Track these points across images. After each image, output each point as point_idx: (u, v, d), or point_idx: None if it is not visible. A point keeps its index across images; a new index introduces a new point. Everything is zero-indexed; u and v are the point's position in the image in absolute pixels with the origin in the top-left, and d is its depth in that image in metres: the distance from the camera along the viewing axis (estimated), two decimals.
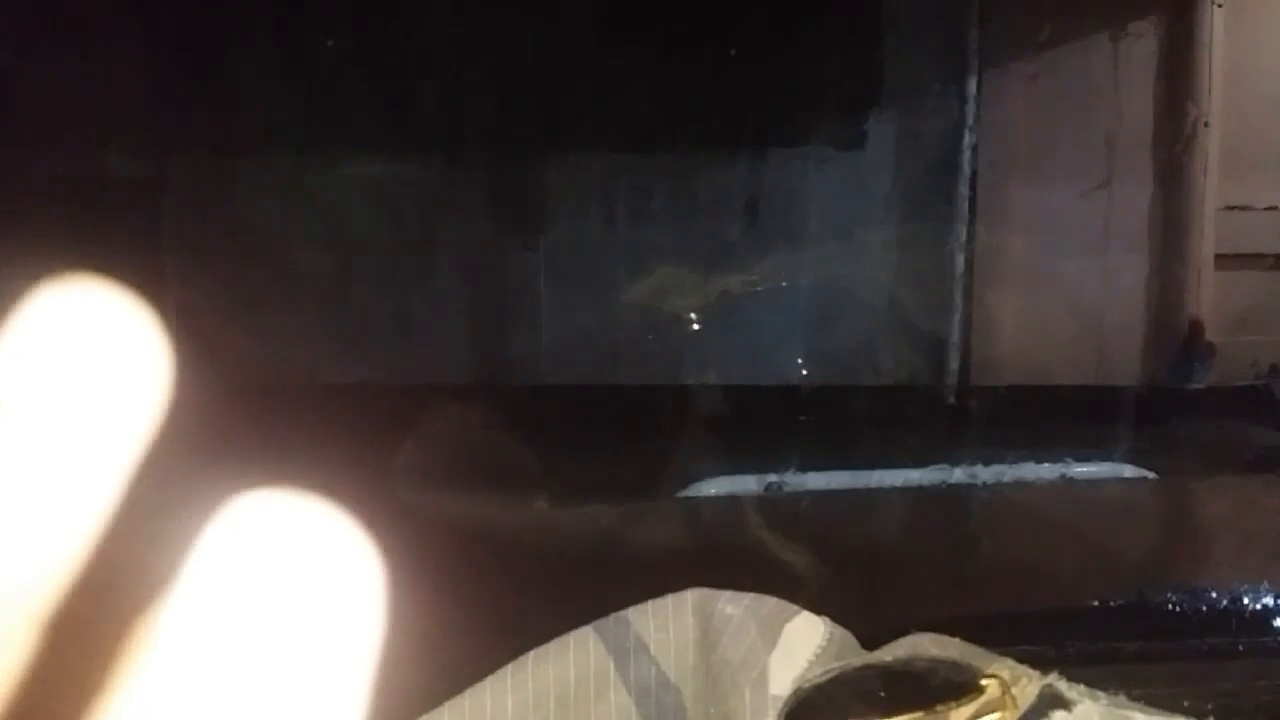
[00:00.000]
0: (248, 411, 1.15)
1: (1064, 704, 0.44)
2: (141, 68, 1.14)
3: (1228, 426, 1.30)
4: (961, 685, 0.44)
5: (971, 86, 1.38)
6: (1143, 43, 1.46)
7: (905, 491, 1.00)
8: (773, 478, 1.06)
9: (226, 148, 1.25)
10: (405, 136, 1.30)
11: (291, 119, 1.25)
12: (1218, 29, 1.47)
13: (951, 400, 1.37)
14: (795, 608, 0.50)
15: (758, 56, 1.29)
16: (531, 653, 0.49)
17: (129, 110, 1.15)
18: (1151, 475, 1.05)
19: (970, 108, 1.38)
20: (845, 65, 1.36)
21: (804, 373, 1.31)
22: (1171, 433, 1.29)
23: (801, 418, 1.24)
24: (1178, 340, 1.47)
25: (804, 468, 1.06)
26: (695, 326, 1.22)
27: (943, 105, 1.39)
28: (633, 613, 0.50)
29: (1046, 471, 1.04)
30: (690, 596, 0.50)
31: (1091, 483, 0.98)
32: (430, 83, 1.29)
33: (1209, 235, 1.49)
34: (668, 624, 0.49)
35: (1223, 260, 1.50)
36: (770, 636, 0.49)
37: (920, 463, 1.06)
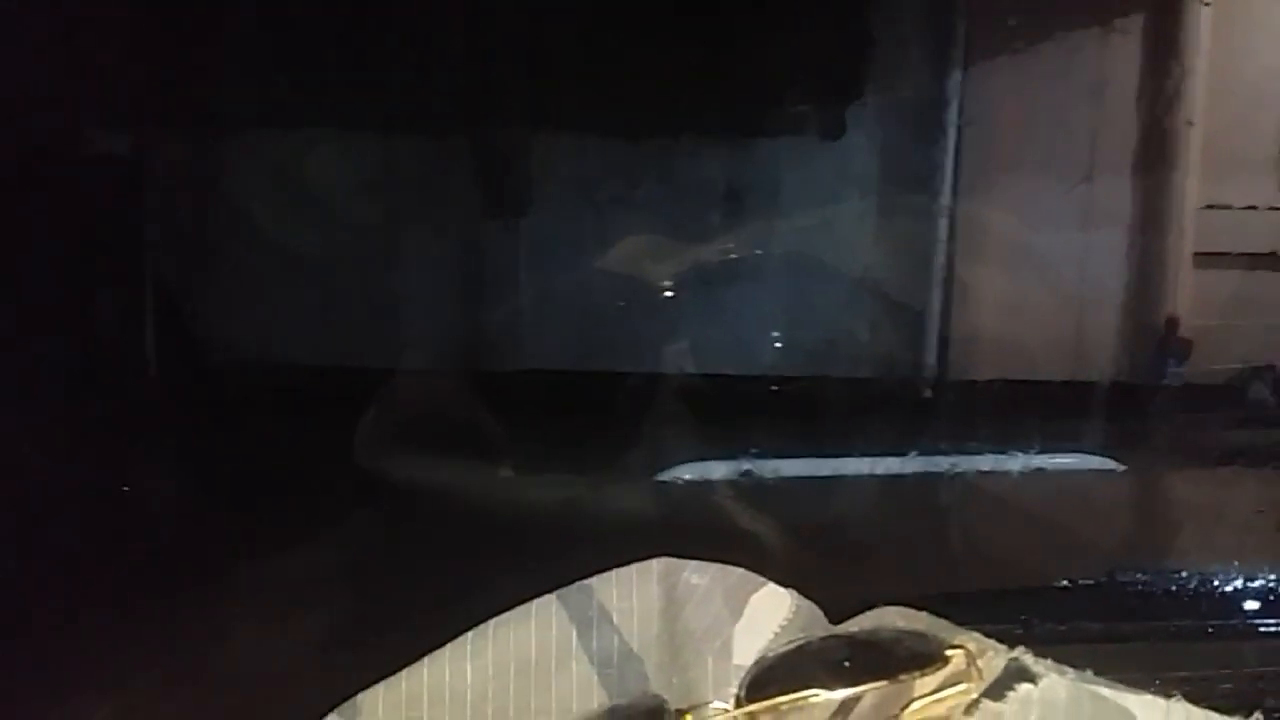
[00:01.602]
0: (224, 390, 1.14)
1: (1030, 677, 0.44)
2: (120, 41, 1.12)
3: (1201, 424, 1.30)
4: (927, 656, 0.43)
5: (955, 79, 1.38)
6: (1128, 39, 1.46)
7: (877, 479, 0.99)
8: (746, 464, 1.05)
9: (206, 124, 1.24)
10: (387, 115, 1.29)
11: (272, 96, 1.23)
12: (1204, 28, 1.47)
13: (926, 393, 1.37)
14: (761, 579, 0.50)
15: (742, 41, 1.28)
16: (493, 621, 0.48)
17: (108, 85, 1.13)
18: (1122, 468, 1.05)
19: (954, 101, 1.38)
20: (830, 53, 1.35)
21: (778, 347, 1.30)
22: (1145, 429, 1.29)
23: (775, 407, 1.23)
24: (1154, 337, 1.47)
25: (777, 455, 1.06)
26: (668, 294, 1.21)
27: (926, 98, 1.39)
28: (596, 581, 0.49)
29: (1018, 462, 1.04)
30: (655, 565, 0.49)
31: (1062, 473, 0.98)
32: (412, 61, 1.28)
33: (1188, 233, 1.49)
34: (631, 593, 0.48)
35: (1201, 258, 1.50)
36: (736, 607, 0.48)
37: (893, 451, 1.06)
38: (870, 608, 0.51)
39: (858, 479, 0.99)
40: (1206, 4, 1.48)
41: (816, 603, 0.51)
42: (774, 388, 1.26)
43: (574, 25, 1.27)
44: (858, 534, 0.84)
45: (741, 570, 0.50)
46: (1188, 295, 1.48)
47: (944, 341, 1.37)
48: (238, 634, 0.57)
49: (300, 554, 0.62)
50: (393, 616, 0.54)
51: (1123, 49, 1.45)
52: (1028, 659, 0.45)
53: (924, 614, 0.48)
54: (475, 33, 1.28)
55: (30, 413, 0.87)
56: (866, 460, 1.04)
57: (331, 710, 0.46)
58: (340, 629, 0.56)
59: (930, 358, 1.37)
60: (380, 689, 0.46)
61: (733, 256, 1.32)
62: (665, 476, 0.99)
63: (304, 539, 0.65)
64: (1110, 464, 1.03)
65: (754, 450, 1.04)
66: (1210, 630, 0.59)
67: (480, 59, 1.29)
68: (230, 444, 0.89)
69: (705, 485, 0.96)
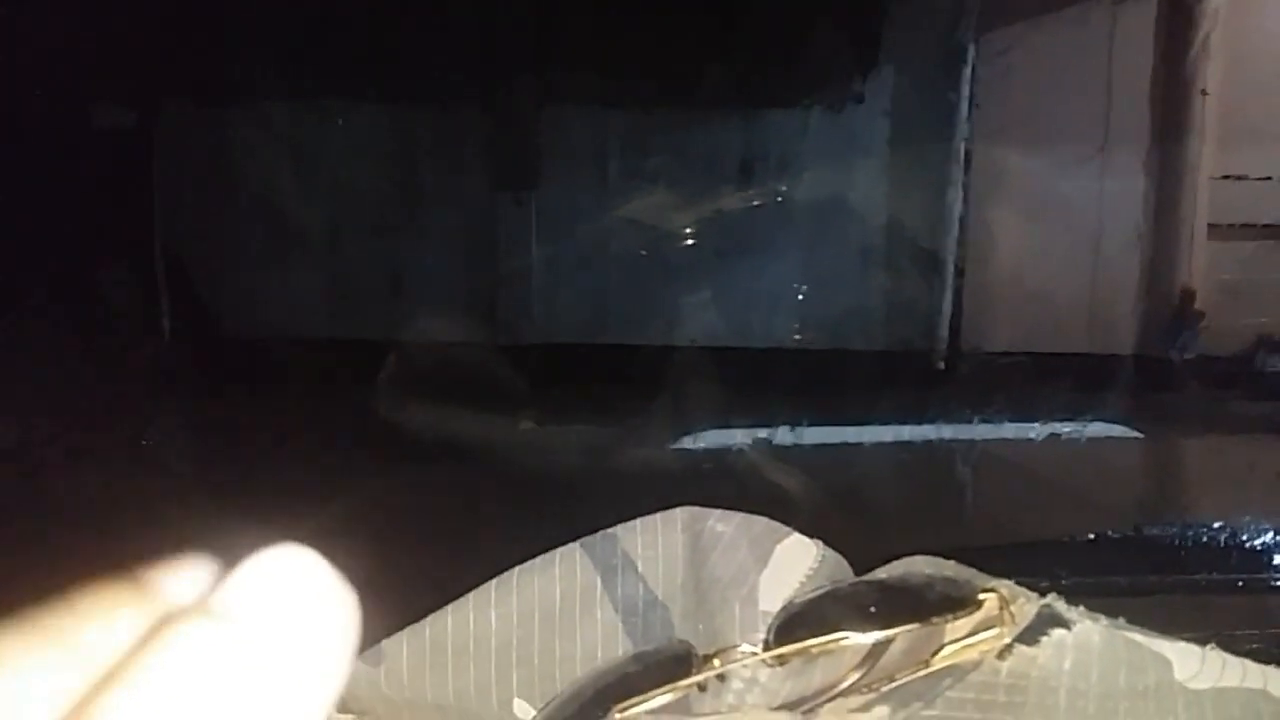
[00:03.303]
0: (239, 362, 1.14)
1: (1063, 623, 0.43)
2: (131, 14, 1.11)
3: (1215, 396, 1.30)
4: (959, 600, 0.43)
5: (970, 49, 1.37)
6: (1142, 7, 1.45)
7: (896, 446, 0.99)
8: (762, 433, 1.05)
9: (218, 98, 1.23)
10: (398, 89, 1.28)
11: (284, 69, 1.23)
12: None
13: (941, 364, 1.37)
14: (787, 529, 0.49)
15: (755, 14, 1.27)
16: (517, 569, 0.48)
17: (119, 59, 1.13)
18: (1140, 435, 1.04)
19: (967, 71, 1.37)
20: (843, 25, 1.34)
21: (799, 336, 1.30)
22: (1159, 399, 1.28)
23: (792, 382, 1.23)
24: (1168, 308, 1.46)
25: (794, 424, 1.05)
26: (689, 242, 1.21)
27: (939, 67, 1.38)
28: (621, 530, 0.48)
29: (1035, 431, 1.03)
30: (680, 514, 0.49)
31: (1080, 439, 0.98)
32: (424, 34, 1.27)
33: (1203, 204, 1.48)
34: (656, 541, 0.48)
35: (1215, 230, 1.49)
36: (761, 555, 0.47)
37: (909, 420, 1.05)
38: (897, 560, 0.50)
39: (879, 445, 0.99)
40: None
41: (842, 555, 0.51)
42: (790, 352, 1.26)
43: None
44: (880, 497, 0.84)
45: (766, 520, 0.49)
46: (1202, 266, 1.47)
47: (959, 311, 1.36)
48: None
49: (320, 507, 0.61)
50: (417, 564, 0.54)
51: (1137, 18, 1.44)
52: (1060, 605, 0.44)
53: (952, 563, 0.47)
54: (487, 5, 1.27)
55: (48, 382, 0.87)
56: (887, 429, 1.03)
57: (356, 657, 0.46)
58: (363, 577, 0.56)
59: (945, 330, 1.36)
60: (404, 635, 0.46)
61: (746, 224, 1.32)
62: (683, 444, 0.98)
63: (324, 493, 0.64)
64: (1128, 431, 1.02)
65: (770, 418, 1.03)
66: (1240, 584, 0.59)
67: (492, 32, 1.28)
68: (246, 409, 0.89)
69: (723, 452, 0.96)
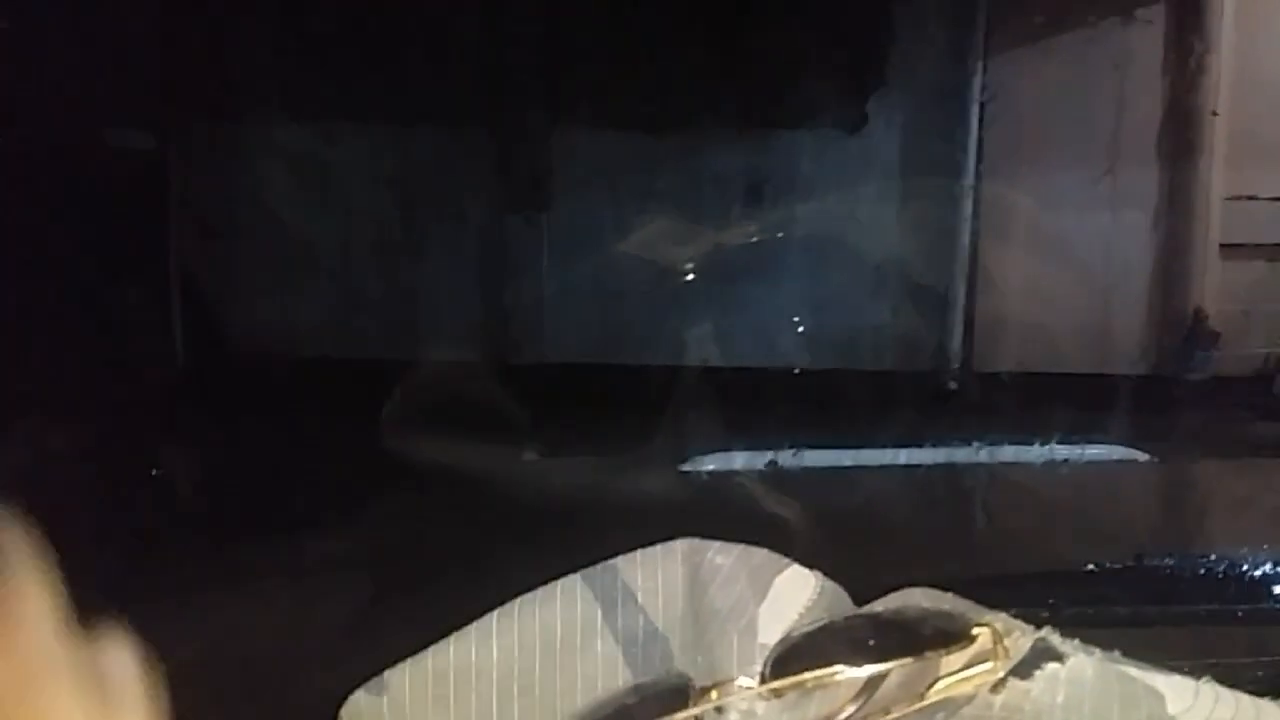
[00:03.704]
0: (248, 382, 1.15)
1: (1057, 656, 0.44)
2: (147, 37, 1.13)
3: (1229, 417, 1.29)
4: (953, 634, 0.43)
5: (977, 69, 1.37)
6: (1152, 29, 1.45)
7: (902, 469, 0.99)
8: (770, 455, 1.05)
9: (231, 119, 1.25)
10: (410, 108, 1.29)
11: (296, 90, 1.24)
12: (1228, 16, 1.45)
13: (951, 386, 1.37)
14: (786, 560, 0.50)
15: (765, 33, 1.28)
16: (519, 600, 0.48)
17: (134, 81, 1.14)
18: (1150, 458, 1.04)
19: (975, 91, 1.37)
20: (851, 45, 1.35)
21: (810, 356, 1.30)
22: (1172, 421, 1.28)
23: (801, 402, 1.23)
24: (1181, 328, 1.46)
25: (801, 447, 1.06)
26: (690, 277, 1.21)
27: (949, 87, 1.38)
28: (621, 561, 0.49)
29: (1044, 454, 1.03)
30: (679, 546, 0.49)
31: (1090, 463, 0.98)
32: (436, 54, 1.29)
33: (1214, 223, 1.48)
34: (656, 573, 0.48)
35: (1227, 249, 1.49)
36: (760, 587, 0.48)
37: (917, 442, 1.05)
38: (895, 590, 0.51)
39: (882, 468, 0.99)
40: None
41: (841, 585, 0.51)
42: (797, 375, 1.26)
43: (595, 18, 1.27)
44: (882, 521, 0.84)
45: (766, 551, 0.50)
46: (1214, 286, 1.46)
47: (969, 333, 1.36)
48: (267, 612, 0.58)
49: (327, 535, 0.62)
50: (419, 596, 0.54)
51: (1147, 39, 1.44)
52: (1054, 639, 0.45)
53: (949, 595, 0.48)
54: (496, 26, 1.28)
55: (60, 402, 0.88)
56: (891, 451, 1.04)
57: (358, 687, 0.47)
58: (367, 607, 0.57)
59: (955, 349, 1.36)
60: (407, 666, 0.47)
61: (754, 246, 1.32)
62: (689, 466, 0.99)
63: (331, 521, 0.65)
64: (1138, 454, 1.02)
65: (777, 441, 1.03)
66: (1239, 615, 0.59)
67: (503, 54, 1.29)
68: (257, 432, 0.90)
69: (729, 475, 0.96)
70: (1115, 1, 1.41)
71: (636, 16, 1.26)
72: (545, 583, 0.49)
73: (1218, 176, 1.45)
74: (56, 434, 0.85)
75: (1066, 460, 1.00)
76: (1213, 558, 0.60)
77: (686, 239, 1.24)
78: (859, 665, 0.42)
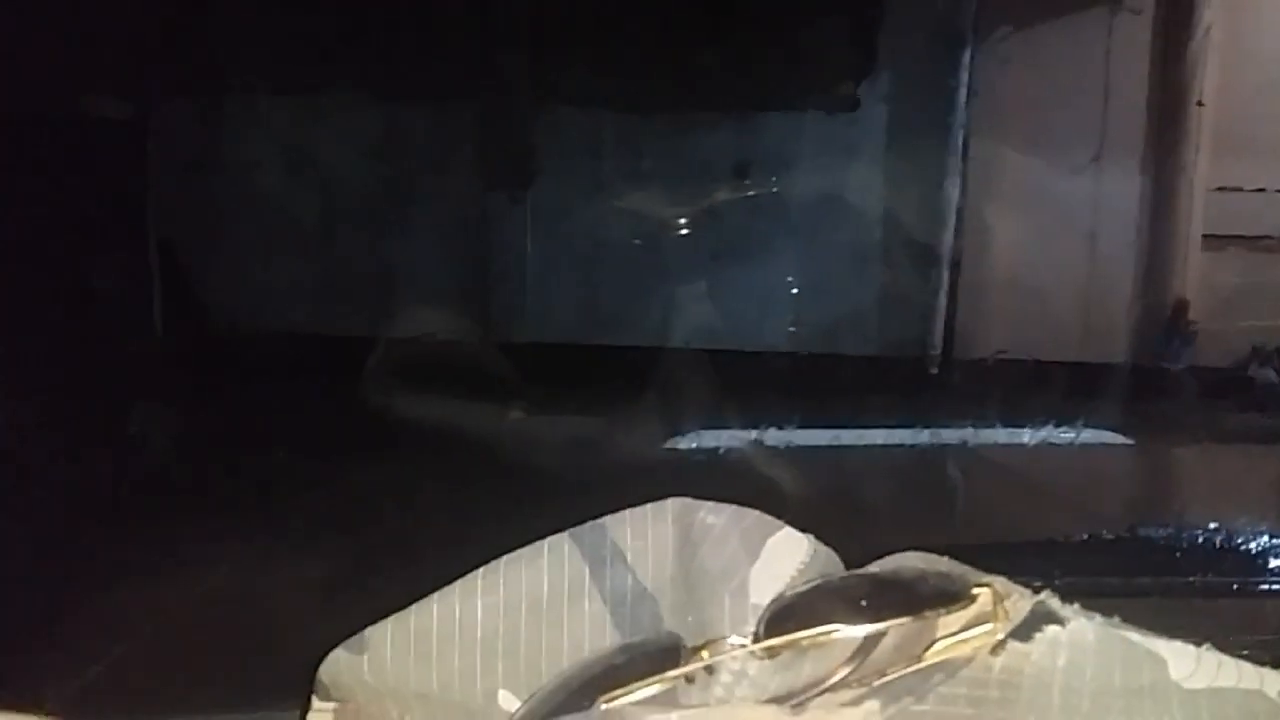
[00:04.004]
0: (231, 357, 1.14)
1: (1057, 620, 0.43)
2: (126, 5, 1.11)
3: (1209, 407, 1.30)
4: (952, 595, 0.42)
5: (966, 55, 1.37)
6: (1139, 19, 1.45)
7: (888, 449, 0.98)
8: (754, 434, 1.05)
9: (211, 92, 1.23)
10: (392, 85, 1.27)
11: (278, 65, 1.22)
12: (1216, 7, 1.46)
13: (935, 369, 1.36)
14: (779, 522, 0.49)
15: (752, 16, 1.27)
16: (504, 558, 0.47)
17: (112, 50, 1.12)
18: (1132, 443, 1.04)
19: (964, 77, 1.37)
20: (840, 28, 1.34)
21: (795, 339, 1.30)
22: (1152, 408, 1.28)
23: (786, 385, 1.23)
24: (1163, 318, 1.46)
25: (785, 425, 1.05)
26: (683, 231, 1.20)
27: (936, 73, 1.38)
28: (610, 520, 0.48)
29: (1028, 436, 1.03)
30: (670, 505, 0.48)
31: (1075, 446, 0.97)
32: (419, 31, 1.27)
33: (1198, 215, 1.48)
34: (646, 532, 0.47)
35: (1210, 240, 1.49)
36: (752, 548, 0.47)
37: (902, 424, 1.05)
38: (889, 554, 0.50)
39: (871, 448, 0.99)
40: None
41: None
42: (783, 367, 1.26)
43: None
44: (871, 499, 0.83)
45: (758, 513, 0.49)
46: (1196, 277, 1.47)
47: (953, 318, 1.36)
48: (248, 569, 0.56)
49: (310, 493, 0.61)
50: (402, 553, 0.53)
51: (1134, 28, 1.44)
52: (1054, 602, 0.44)
53: (945, 558, 0.47)
54: (484, 3, 1.27)
55: (39, 376, 0.86)
56: (878, 432, 1.03)
57: (339, 644, 0.45)
58: (349, 564, 0.55)
59: (940, 334, 1.36)
60: (389, 624, 0.45)
61: (740, 228, 1.32)
62: (674, 444, 0.98)
63: (313, 480, 0.64)
64: (1120, 439, 1.02)
65: (766, 420, 1.03)
66: (1234, 587, 0.58)
67: (487, 29, 1.28)
68: (235, 402, 0.88)
69: (716, 451, 0.95)
70: None
71: None
72: (532, 540, 0.47)
73: (1202, 168, 1.46)
74: (31, 405, 0.83)
75: (1050, 442, 0.99)
76: (1208, 530, 0.59)
77: (672, 217, 1.23)
78: (854, 625, 0.41)
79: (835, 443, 1.02)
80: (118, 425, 0.89)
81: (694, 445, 1.00)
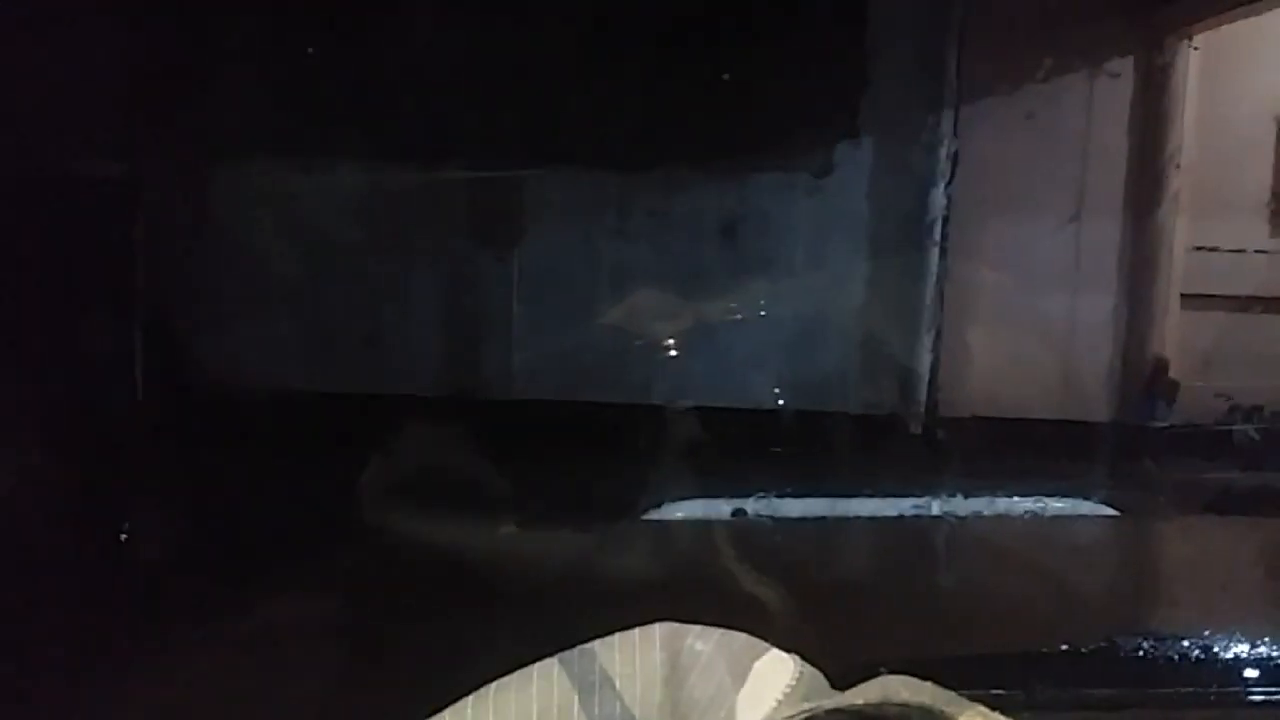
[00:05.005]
0: (216, 416, 1.13)
1: None
2: (119, 69, 1.11)
3: (1190, 465, 1.31)
4: None
5: (948, 120, 1.39)
6: (1118, 82, 1.48)
7: (872, 522, 0.99)
8: (740, 503, 1.05)
9: (202, 152, 1.23)
10: (383, 146, 1.28)
11: (269, 125, 1.23)
12: (1193, 72, 1.48)
13: (917, 431, 1.37)
14: (765, 645, 0.49)
15: (739, 82, 1.28)
16: (494, 684, 0.47)
17: (105, 111, 1.12)
18: (1115, 513, 1.05)
19: (946, 141, 1.38)
20: (825, 94, 1.36)
21: (778, 398, 1.30)
22: (1135, 470, 1.29)
23: (769, 445, 1.23)
24: (1143, 377, 1.48)
25: (771, 494, 1.05)
26: (672, 353, 1.21)
27: (919, 138, 1.39)
28: (599, 645, 0.48)
29: (1011, 506, 1.04)
30: (658, 631, 0.48)
31: (1057, 519, 0.98)
32: (410, 93, 1.28)
33: (1176, 274, 1.50)
34: (634, 658, 0.48)
35: (1189, 300, 1.51)
36: (739, 674, 0.47)
37: (881, 493, 1.05)
38: (874, 671, 0.50)
39: (849, 521, 0.99)
40: (1195, 48, 1.49)
41: (818, 662, 0.51)
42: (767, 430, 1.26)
43: (568, 61, 1.27)
44: (852, 581, 0.84)
45: (746, 636, 0.49)
46: (1176, 337, 1.48)
47: (934, 381, 1.37)
48: (233, 688, 0.56)
49: (297, 603, 0.61)
50: (392, 671, 0.53)
51: (1111, 92, 1.46)
52: None
53: (929, 685, 0.47)
54: (470, 66, 1.28)
55: (20, 439, 0.86)
56: (855, 501, 1.04)
57: None
58: (338, 685, 0.55)
59: (921, 397, 1.37)
60: None
61: (722, 289, 1.32)
62: (662, 514, 0.98)
63: (300, 588, 0.64)
64: (1100, 509, 1.03)
65: (749, 490, 1.03)
66: (1212, 698, 0.59)
67: (477, 91, 1.28)
68: (220, 473, 0.88)
69: (702, 525, 0.96)
70: (1083, 55, 1.43)
71: (608, 60, 1.26)
72: (521, 663, 0.48)
73: (1181, 228, 1.48)
74: (12, 470, 0.83)
75: (1034, 515, 1.00)
76: (1186, 641, 0.60)
77: (659, 305, 1.24)
78: None
79: (820, 513, 1.02)
80: (100, 493, 0.88)
81: (679, 516, 1.00)
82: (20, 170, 1.04)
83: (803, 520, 1.00)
